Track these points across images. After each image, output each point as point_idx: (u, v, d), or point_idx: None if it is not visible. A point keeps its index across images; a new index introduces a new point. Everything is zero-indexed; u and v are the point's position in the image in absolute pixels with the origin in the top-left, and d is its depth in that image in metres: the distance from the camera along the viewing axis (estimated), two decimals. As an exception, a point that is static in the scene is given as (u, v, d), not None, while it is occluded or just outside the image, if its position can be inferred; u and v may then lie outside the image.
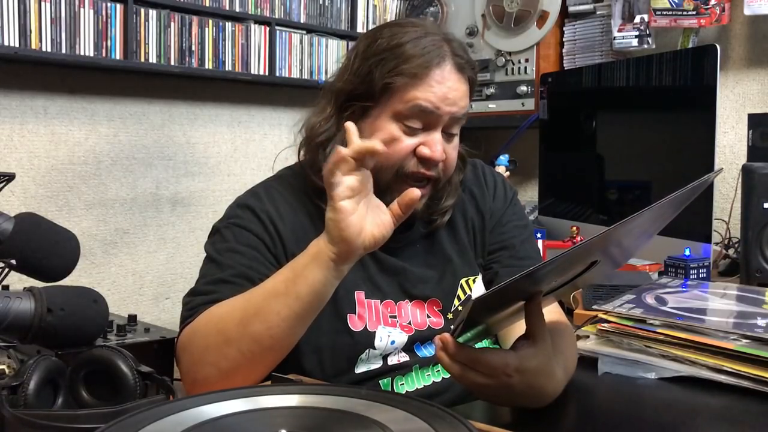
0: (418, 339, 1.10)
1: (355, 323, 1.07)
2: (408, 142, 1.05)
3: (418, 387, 1.09)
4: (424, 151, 1.05)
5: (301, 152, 1.14)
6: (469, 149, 1.21)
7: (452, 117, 1.06)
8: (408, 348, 1.10)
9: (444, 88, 1.04)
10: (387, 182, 1.06)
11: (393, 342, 1.08)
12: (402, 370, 1.09)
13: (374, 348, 1.07)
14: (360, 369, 1.07)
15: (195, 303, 1.01)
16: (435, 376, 1.11)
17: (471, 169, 1.23)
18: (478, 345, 1.15)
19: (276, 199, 1.10)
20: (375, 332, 1.07)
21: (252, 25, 2.42)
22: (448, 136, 1.08)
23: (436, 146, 1.05)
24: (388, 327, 1.08)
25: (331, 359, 1.05)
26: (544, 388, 0.82)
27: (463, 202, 1.20)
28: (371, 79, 1.05)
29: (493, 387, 0.78)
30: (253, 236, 1.06)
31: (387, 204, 1.02)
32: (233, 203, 1.13)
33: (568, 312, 1.33)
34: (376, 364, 1.08)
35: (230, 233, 1.07)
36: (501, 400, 0.83)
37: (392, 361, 1.09)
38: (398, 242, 1.13)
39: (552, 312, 1.02)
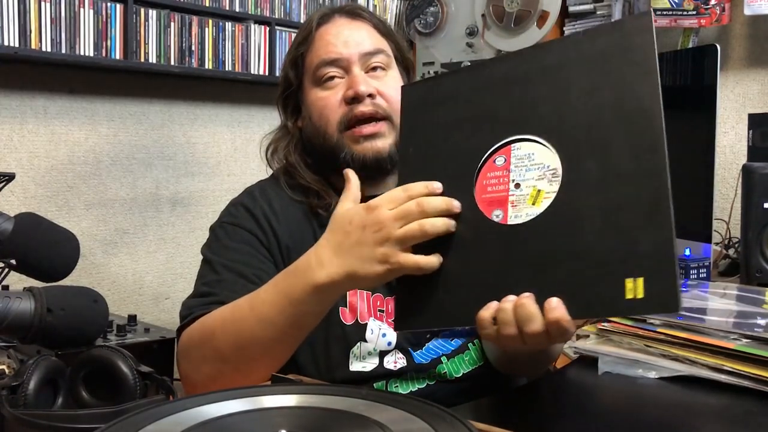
0: (406, 337, 1.09)
1: (346, 316, 1.07)
2: (334, 97, 1.10)
3: (413, 390, 1.08)
4: (348, 92, 1.09)
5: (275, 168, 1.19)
6: None
7: (363, 54, 1.11)
8: (405, 351, 1.10)
9: (338, 38, 1.12)
10: (335, 143, 1.10)
11: (384, 335, 1.08)
12: (397, 374, 1.09)
13: (365, 341, 1.06)
14: (354, 367, 1.06)
15: (191, 305, 1.01)
16: (430, 380, 1.11)
17: None
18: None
19: (270, 196, 1.13)
20: (366, 324, 1.07)
21: (252, 25, 2.42)
22: (374, 72, 1.12)
23: (356, 82, 1.09)
24: (378, 321, 1.08)
25: (324, 352, 1.06)
26: None
27: None
28: (287, 71, 1.17)
29: None
30: (245, 232, 1.08)
31: (345, 159, 1.08)
32: (228, 204, 1.15)
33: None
34: (372, 364, 1.07)
35: (223, 232, 1.10)
36: None
37: (388, 365, 1.08)
38: None
39: None
